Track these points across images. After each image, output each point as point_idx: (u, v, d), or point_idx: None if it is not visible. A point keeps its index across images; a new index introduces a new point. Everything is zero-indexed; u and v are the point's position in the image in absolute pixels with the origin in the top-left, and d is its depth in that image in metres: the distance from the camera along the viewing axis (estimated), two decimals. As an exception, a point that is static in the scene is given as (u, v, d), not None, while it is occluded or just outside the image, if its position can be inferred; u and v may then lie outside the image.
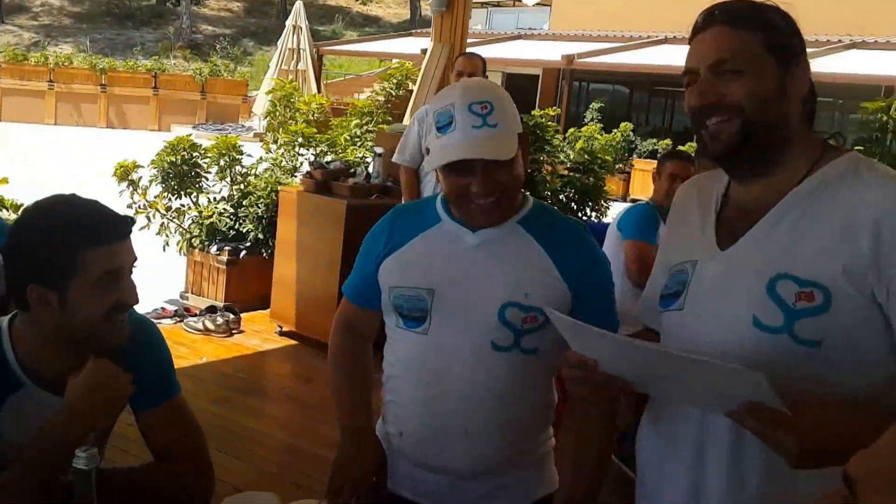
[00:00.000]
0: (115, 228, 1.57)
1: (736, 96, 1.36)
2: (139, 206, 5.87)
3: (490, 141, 1.61)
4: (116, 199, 4.99)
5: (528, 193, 1.82)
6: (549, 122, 7.29)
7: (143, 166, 5.90)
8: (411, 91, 7.30)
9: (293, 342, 5.37)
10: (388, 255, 1.79)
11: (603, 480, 1.80)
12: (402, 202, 4.66)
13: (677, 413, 1.48)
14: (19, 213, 1.62)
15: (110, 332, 1.60)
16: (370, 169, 5.73)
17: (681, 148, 7.91)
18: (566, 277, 1.72)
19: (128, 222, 1.61)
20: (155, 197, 5.97)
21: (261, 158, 6.48)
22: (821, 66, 14.53)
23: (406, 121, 6.70)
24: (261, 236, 5.91)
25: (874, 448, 1.13)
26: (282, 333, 5.48)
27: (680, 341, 1.48)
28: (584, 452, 1.78)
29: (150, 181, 5.95)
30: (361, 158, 6.35)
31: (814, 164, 1.40)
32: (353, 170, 5.59)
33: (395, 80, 7.05)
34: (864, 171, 1.37)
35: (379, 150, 5.70)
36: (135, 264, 1.62)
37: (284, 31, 17.71)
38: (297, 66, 17.36)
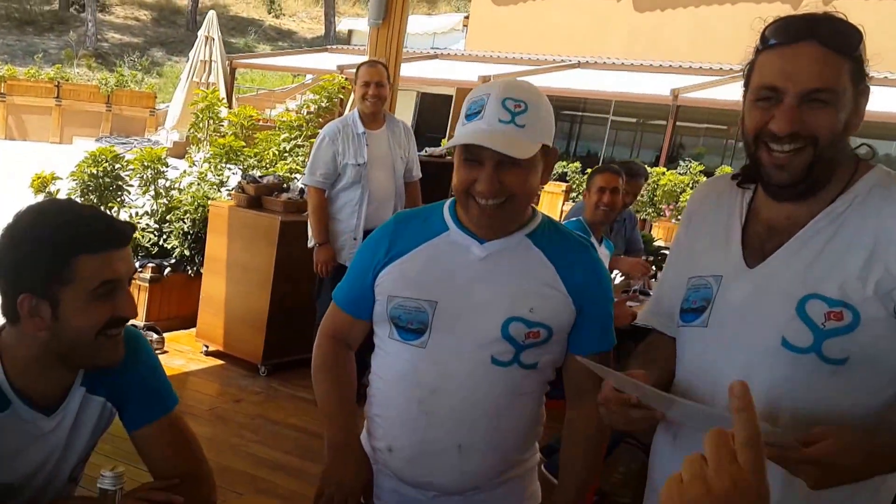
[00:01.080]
0: (112, 236, 1.46)
1: (817, 128, 1.33)
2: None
3: (510, 138, 1.55)
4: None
5: (536, 209, 1.78)
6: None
7: (61, 178, 5.59)
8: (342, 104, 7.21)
9: (220, 362, 5.19)
10: (389, 264, 1.73)
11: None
12: (309, 227, 4.52)
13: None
14: (11, 217, 1.46)
15: (104, 349, 1.49)
16: (300, 183, 5.58)
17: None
18: (572, 293, 1.68)
19: (127, 229, 1.48)
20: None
21: (185, 172, 6.23)
22: (721, 94, 15.11)
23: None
24: (187, 253, 5.68)
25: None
26: (208, 353, 5.29)
27: (701, 358, 1.48)
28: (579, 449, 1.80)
29: (69, 194, 5.64)
30: (291, 173, 6.19)
31: (848, 179, 1.40)
32: (286, 185, 5.43)
33: (326, 93, 6.89)
34: (892, 186, 1.37)
35: (312, 164, 5.56)
36: (134, 276, 1.49)
37: (196, 42, 17.29)
38: (208, 78, 16.96)
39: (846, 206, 1.37)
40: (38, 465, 1.56)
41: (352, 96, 6.72)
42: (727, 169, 10.02)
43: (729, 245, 1.48)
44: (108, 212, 5.75)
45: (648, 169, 12.27)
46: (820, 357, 1.33)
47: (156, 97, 22.43)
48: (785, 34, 1.34)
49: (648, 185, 11.11)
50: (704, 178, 11.58)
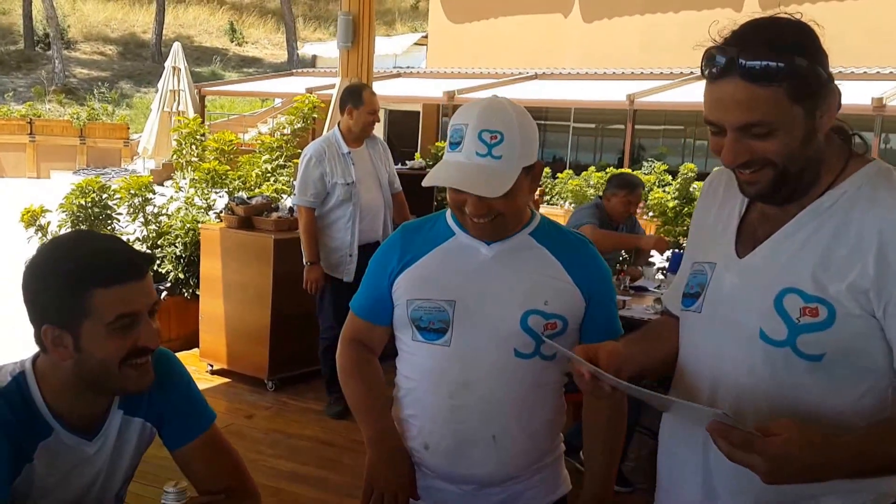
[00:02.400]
0: (127, 268, 1.42)
1: (767, 154, 1.29)
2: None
3: (486, 174, 1.59)
4: (25, 246, 4.63)
5: (533, 209, 1.82)
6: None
7: (50, 210, 5.50)
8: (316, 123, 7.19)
9: (226, 380, 5.13)
10: (403, 270, 1.76)
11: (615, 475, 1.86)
12: (303, 246, 4.46)
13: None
14: (36, 249, 1.43)
15: (130, 378, 1.45)
16: (290, 202, 5.56)
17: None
18: (580, 285, 1.73)
19: (144, 260, 1.45)
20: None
21: (172, 198, 6.16)
22: (675, 96, 15.31)
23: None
24: (181, 276, 5.61)
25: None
26: (213, 372, 5.23)
27: (694, 342, 1.49)
28: (597, 449, 1.83)
29: (59, 226, 5.55)
30: (278, 193, 6.15)
31: (837, 175, 1.36)
32: (274, 205, 5.39)
33: (301, 114, 6.85)
34: (881, 186, 1.32)
35: (299, 183, 5.54)
36: (156, 306, 1.46)
37: (164, 73, 17.14)
38: (178, 107, 16.83)
39: (833, 201, 1.33)
40: (85, 488, 1.54)
41: (329, 116, 6.71)
42: (690, 166, 10.09)
43: (725, 233, 1.48)
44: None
45: (614, 169, 12.43)
46: (795, 351, 1.31)
47: (128, 128, 22.19)
48: (710, 70, 1.29)
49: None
50: (669, 177, 11.69)
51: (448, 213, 1.79)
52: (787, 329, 1.31)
